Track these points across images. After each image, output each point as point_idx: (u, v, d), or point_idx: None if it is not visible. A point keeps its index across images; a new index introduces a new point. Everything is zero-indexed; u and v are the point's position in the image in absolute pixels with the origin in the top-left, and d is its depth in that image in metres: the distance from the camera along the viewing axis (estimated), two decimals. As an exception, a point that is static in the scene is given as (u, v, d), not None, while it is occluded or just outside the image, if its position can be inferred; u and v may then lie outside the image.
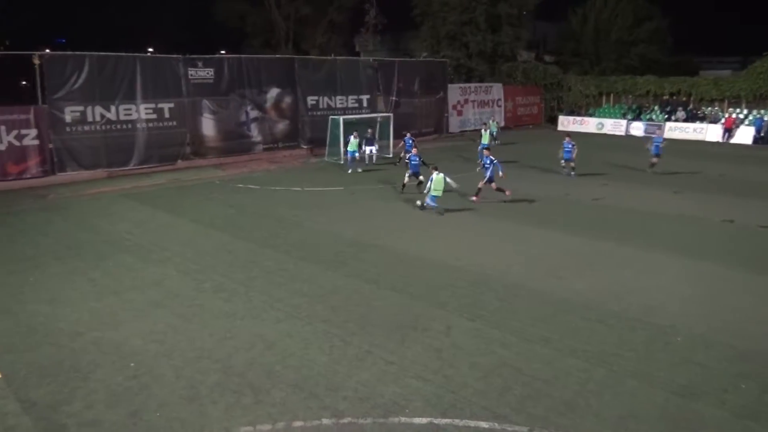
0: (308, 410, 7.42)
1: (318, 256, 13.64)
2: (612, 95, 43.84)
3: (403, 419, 7.25)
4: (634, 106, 42.17)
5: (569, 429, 7.05)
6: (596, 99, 44.44)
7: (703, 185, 21.76)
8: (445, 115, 37.96)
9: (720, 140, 35.90)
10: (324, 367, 8.53)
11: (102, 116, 23.05)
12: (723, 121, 36.47)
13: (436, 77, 37.29)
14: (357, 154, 24.79)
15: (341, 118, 27.02)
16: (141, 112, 24.15)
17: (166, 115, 25.03)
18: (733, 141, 35.60)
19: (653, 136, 25.73)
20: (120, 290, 11.46)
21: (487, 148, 20.86)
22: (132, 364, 8.56)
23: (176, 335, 9.54)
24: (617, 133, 40.16)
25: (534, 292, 11.41)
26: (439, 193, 17.23)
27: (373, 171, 25.01)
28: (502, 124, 41.90)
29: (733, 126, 35.91)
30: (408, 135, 25.36)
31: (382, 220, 16.96)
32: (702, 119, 38.08)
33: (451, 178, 17.64)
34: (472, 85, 42.10)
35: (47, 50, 25.27)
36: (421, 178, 19.53)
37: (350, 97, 32.12)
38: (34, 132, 21.53)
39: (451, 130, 38.10)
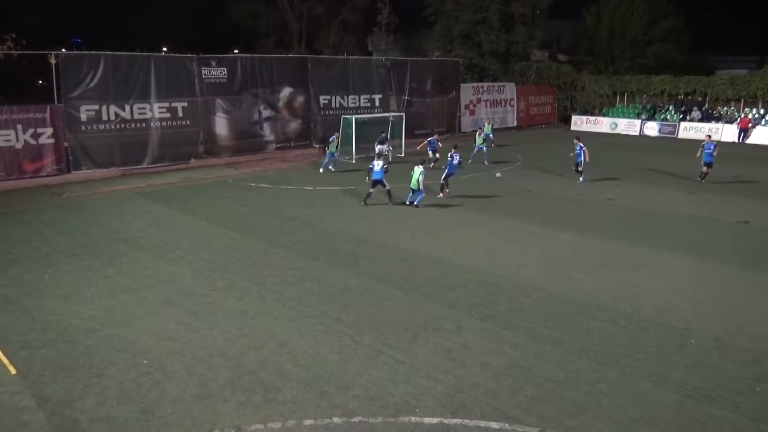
0: (319, 409, 7.45)
1: (329, 255, 13.67)
2: (626, 95, 43.44)
3: (413, 419, 7.26)
4: (648, 106, 41.76)
5: (580, 430, 7.01)
6: (610, 99, 44.05)
7: (718, 186, 21.51)
8: (458, 114, 37.85)
9: (735, 141, 35.46)
10: (335, 365, 8.56)
11: (116, 115, 23.28)
12: (738, 121, 36.03)
13: (448, 76, 37.20)
14: (336, 155, 24.72)
15: (353, 118, 27.08)
16: (155, 111, 24.36)
17: (180, 114, 25.21)
18: (749, 141, 35.15)
19: (704, 142, 22.21)
20: (133, 288, 11.57)
21: (455, 146, 20.29)
22: (144, 362, 8.64)
23: (188, 333, 9.62)
24: (631, 133, 39.79)
25: (545, 292, 11.36)
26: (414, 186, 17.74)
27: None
28: (515, 123, 41.80)
29: (749, 126, 35.46)
30: (435, 136, 26.17)
31: (391, 220, 16.97)
32: (717, 119, 37.63)
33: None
34: (485, 84, 41.93)
35: (63, 50, 25.57)
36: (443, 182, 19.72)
37: (363, 97, 32.14)
38: (50, 131, 21.78)
39: (463, 129, 37.97)
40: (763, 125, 35.41)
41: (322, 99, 30.29)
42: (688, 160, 27.08)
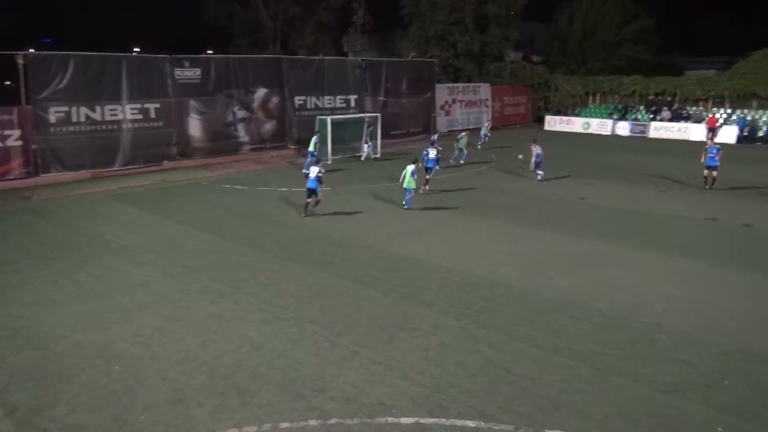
0: (295, 411, 7.40)
1: (305, 256, 13.61)
2: (598, 95, 44.14)
3: (389, 419, 7.26)
4: (620, 106, 42.49)
5: (554, 427, 7.09)
6: (582, 99, 44.71)
7: (686, 185, 21.95)
8: (433, 115, 38.02)
9: (704, 139, 36.20)
10: (311, 368, 8.51)
11: (87, 117, 22.81)
12: (706, 120, 36.83)
13: (424, 77, 37.34)
14: (315, 156, 24.59)
15: (329, 118, 27.02)
16: (127, 112, 23.95)
17: (152, 115, 24.84)
18: (716, 140, 35.87)
19: (707, 145, 21.27)
20: (105, 293, 11.36)
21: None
22: (117, 368, 8.48)
23: (162, 338, 9.48)
24: (603, 132, 40.42)
25: (520, 291, 11.46)
26: (408, 185, 17.57)
27: (360, 170, 25.00)
28: (490, 125, 42.13)
29: (717, 125, 36.26)
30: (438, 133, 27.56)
31: (369, 220, 16.96)
32: (686, 119, 38.44)
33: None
34: (460, 85, 42.21)
35: (32, 50, 25.00)
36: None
37: (338, 97, 32.08)
38: (17, 132, 21.24)
39: (439, 129, 38.14)
40: (729, 124, 36.23)
41: (297, 100, 30.15)
42: (658, 158, 27.66)
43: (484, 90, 42.74)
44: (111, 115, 23.56)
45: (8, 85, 25.42)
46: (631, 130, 39.37)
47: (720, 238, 15.26)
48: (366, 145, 28.53)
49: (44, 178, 21.96)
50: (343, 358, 8.79)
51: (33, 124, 21.51)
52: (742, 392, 7.82)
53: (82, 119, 22.71)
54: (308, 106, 30.63)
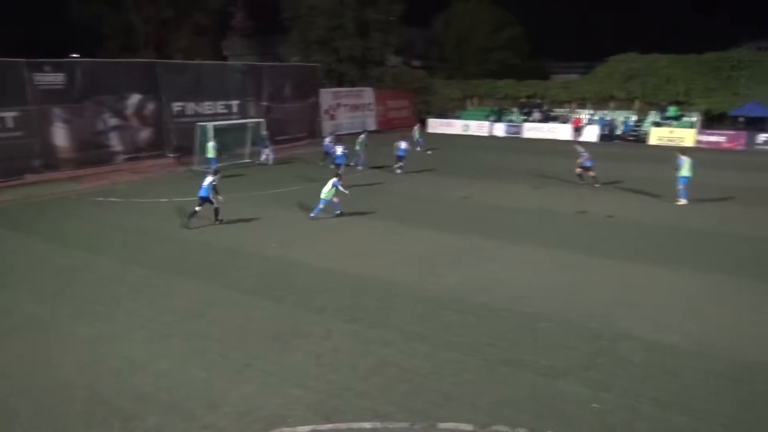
0: (186, 431, 7.08)
1: (191, 269, 13.05)
2: (475, 98, 46.31)
3: (285, 429, 7.14)
4: (495, 109, 44.88)
5: (448, 419, 7.33)
6: (461, 102, 46.72)
7: (557, 181, 23.64)
8: (318, 119, 37.98)
9: (571, 138, 39.20)
10: (202, 384, 8.18)
11: (-71, 127, 20.43)
12: (572, 121, 39.89)
13: (307, 82, 37.21)
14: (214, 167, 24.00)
15: (210, 125, 26.10)
16: (-22, 122, 21.72)
17: (9, 125, 22.73)
18: (581, 139, 39.00)
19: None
20: (-41, 323, 10.21)
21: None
22: (-23, 405, 7.65)
23: (32, 367, 8.67)
24: (482, 134, 42.46)
25: (410, 289, 11.74)
26: (326, 197, 17.02)
27: (246, 177, 24.41)
28: (374, 127, 42.84)
29: (581, 125, 39.40)
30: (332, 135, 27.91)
31: (256, 228, 16.60)
32: (554, 119, 41.40)
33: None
34: (344, 89, 42.53)
35: None
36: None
37: (219, 103, 31.12)
38: None
39: (324, 134, 38.17)
40: (592, 124, 39.49)
41: (175, 106, 28.86)
42: (532, 157, 29.51)
43: (368, 94, 43.38)
44: (-41, 125, 21.26)
45: None
46: (506, 131, 41.70)
47: (588, 229, 16.55)
48: (267, 150, 28.25)
49: None
50: (235, 372, 8.52)
51: None
52: (612, 370, 8.54)
53: (-76, 130, 20.30)
54: (187, 113, 29.42)
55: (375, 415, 7.44)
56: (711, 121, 36.82)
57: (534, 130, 40.62)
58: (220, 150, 24.30)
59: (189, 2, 44.80)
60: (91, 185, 23.16)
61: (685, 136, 35.39)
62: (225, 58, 54.06)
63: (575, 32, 69.28)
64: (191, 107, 29.61)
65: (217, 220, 16.84)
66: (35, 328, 10.02)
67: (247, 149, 28.82)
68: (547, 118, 41.61)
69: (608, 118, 39.47)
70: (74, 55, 35.78)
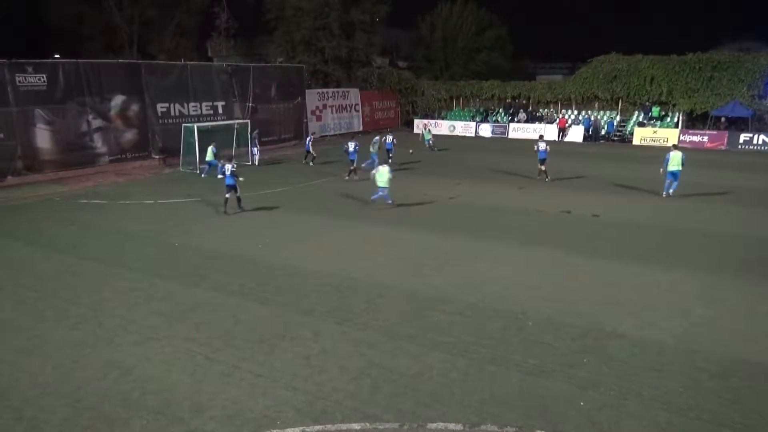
0: (172, 436, 7.01)
1: (176, 271, 12.94)
2: (461, 99, 46.46)
3: (274, 431, 7.11)
4: (481, 109, 45.06)
5: (436, 419, 7.34)
6: (447, 102, 46.85)
7: (543, 181, 23.77)
8: (304, 120, 37.87)
9: (556, 139, 39.49)
10: (188, 388, 8.10)
11: None
12: (557, 121, 40.16)
13: (293, 83, 37.09)
14: (218, 163, 23.96)
15: (195, 126, 25.93)
16: (-42, 123, 21.38)
17: (-9, 126, 22.39)
18: (567, 139, 39.32)
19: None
20: (-60, 328, 10.03)
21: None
22: (-42, 411, 7.52)
23: (14, 372, 8.54)
24: (468, 134, 42.62)
25: (398, 291, 11.73)
26: (381, 185, 18.38)
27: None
28: (361, 128, 42.84)
29: (566, 125, 39.68)
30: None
31: (242, 230, 16.51)
32: (540, 120, 41.64)
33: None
34: (330, 90, 42.45)
35: None
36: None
37: (204, 104, 30.92)
38: None
39: (314, 132, 38.11)
40: (577, 125, 39.79)
41: (160, 107, 28.64)
42: (517, 157, 29.63)
43: (354, 95, 43.37)
44: (-62, 127, 20.90)
45: None
46: (492, 132, 41.88)
47: (573, 228, 16.67)
48: (255, 149, 28.34)
49: None
50: (222, 375, 8.46)
51: None
52: (599, 368, 8.59)
53: None
54: (173, 114, 29.21)
55: (364, 416, 7.42)
56: (693, 122, 37.27)
57: (520, 130, 40.83)
58: (217, 153, 24.32)
59: (172, 3, 44.49)
60: (75, 187, 22.90)
61: (669, 135, 35.80)
62: (209, 59, 53.73)
63: (559, 33, 69.92)
64: (176, 108, 29.39)
65: (240, 207, 18.41)
66: (17, 333, 9.87)
67: (233, 151, 28.67)
68: (532, 119, 41.84)
69: (592, 119, 39.80)
70: (56, 56, 35.30)
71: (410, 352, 9.12)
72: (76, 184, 23.58)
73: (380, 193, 18.51)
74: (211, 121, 29.81)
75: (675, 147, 20.51)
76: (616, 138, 38.49)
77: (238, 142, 28.98)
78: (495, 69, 50.20)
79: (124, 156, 27.42)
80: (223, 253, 14.28)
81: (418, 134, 35.35)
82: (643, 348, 9.16)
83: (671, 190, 20.16)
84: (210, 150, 24.22)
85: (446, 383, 8.20)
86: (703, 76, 36.28)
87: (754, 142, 33.92)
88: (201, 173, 24.81)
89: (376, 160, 25.24)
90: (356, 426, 7.22)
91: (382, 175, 18.37)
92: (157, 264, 13.47)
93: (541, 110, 42.77)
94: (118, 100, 26.92)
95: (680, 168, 19.67)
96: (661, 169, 20.14)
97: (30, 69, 23.58)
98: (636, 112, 39.25)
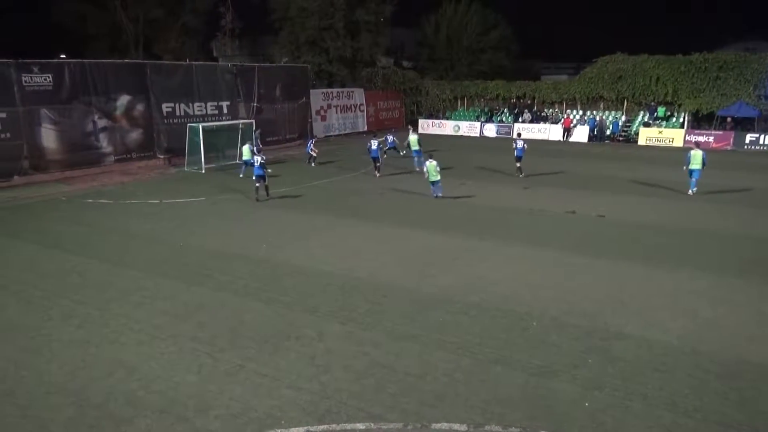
0: (177, 435, 7.03)
1: (181, 271, 12.98)
2: (466, 99, 46.40)
3: (279, 431, 7.12)
4: (486, 109, 44.98)
5: (441, 419, 7.33)
6: (452, 102, 46.81)
7: (548, 181, 23.73)
8: (309, 120, 37.90)
9: (561, 139, 39.41)
10: (193, 387, 8.13)
11: None
12: (562, 121, 40.07)
13: (297, 82, 37.12)
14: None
15: (200, 126, 25.99)
16: (-35, 123, 21.50)
17: (-3, 126, 22.51)
18: (571, 140, 39.23)
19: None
20: (-54, 326, 10.09)
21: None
22: (-35, 409, 7.56)
23: (20, 371, 8.59)
24: (472, 134, 42.56)
25: (402, 290, 11.73)
26: (434, 179, 19.56)
27: (236, 178, 24.32)
28: (365, 128, 42.83)
29: (571, 126, 39.59)
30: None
31: (247, 230, 16.54)
32: (545, 120, 41.56)
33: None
34: (335, 90, 42.48)
35: None
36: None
37: (209, 104, 30.99)
38: None
39: (316, 134, 38.14)
40: (582, 125, 39.70)
41: (165, 107, 28.71)
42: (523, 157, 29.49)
43: (358, 95, 43.37)
44: (-55, 126, 21.03)
45: None
46: (497, 132, 41.80)
47: (579, 229, 16.62)
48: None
49: None
50: (226, 374, 8.48)
51: None
52: (603, 368, 8.57)
53: None
54: (178, 114, 29.29)
55: (368, 415, 7.43)
56: (699, 122, 37.12)
57: (525, 130, 40.68)
58: (254, 151, 24.26)
59: (177, 3, 44.60)
60: (80, 187, 23.00)
61: (675, 136, 35.68)
62: (214, 59, 53.85)
63: (564, 33, 69.79)
64: (181, 108, 29.47)
65: (267, 195, 19.95)
66: (23, 332, 9.92)
67: (238, 150, 28.71)
68: (537, 119, 41.75)
69: (597, 119, 39.69)
70: (62, 56, 35.44)
71: (414, 352, 9.11)
72: (81, 183, 23.68)
73: (437, 188, 19.80)
74: (216, 121, 29.88)
75: (696, 145, 21.53)
76: (621, 138, 38.37)
77: (242, 141, 29.00)
78: (499, 69, 50.08)
79: (129, 156, 27.52)
80: (228, 252, 14.31)
81: (422, 135, 35.22)
82: (649, 349, 9.13)
83: (693, 189, 20.62)
84: (246, 149, 23.94)
85: (450, 383, 8.20)
86: (709, 76, 36.11)
87: (761, 142, 33.76)
88: (239, 173, 24.42)
89: (422, 158, 25.51)
90: (360, 426, 7.22)
91: (432, 169, 19.44)
92: (162, 264, 13.51)
93: (545, 110, 42.67)
94: (123, 100, 27.01)
95: (700, 167, 20.24)
96: (684, 167, 20.73)
97: (36, 69, 23.68)
98: (641, 112, 39.13)
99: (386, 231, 16.28)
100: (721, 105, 35.57)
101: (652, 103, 38.41)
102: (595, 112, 40.69)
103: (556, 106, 42.57)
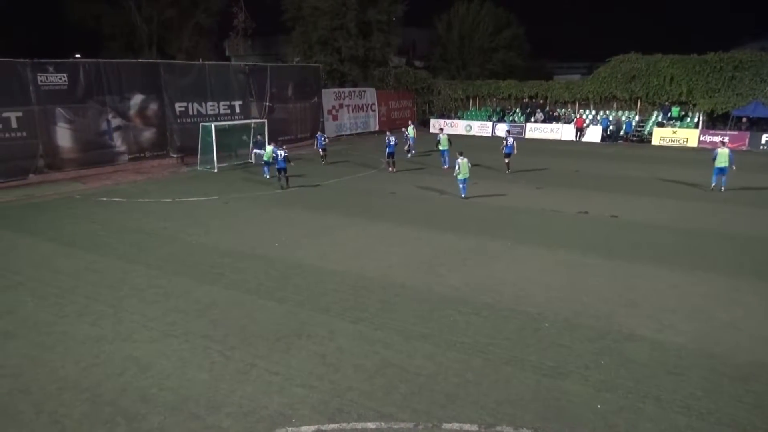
0: (189, 432, 7.08)
1: (193, 269, 13.06)
2: (478, 98, 46.26)
3: (290, 429, 7.14)
4: (498, 109, 44.82)
5: (452, 420, 7.32)
6: (464, 102, 46.69)
7: (561, 181, 23.61)
8: (321, 120, 37.98)
9: (573, 139, 39.17)
10: (205, 385, 8.18)
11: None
12: (574, 121, 39.83)
13: (309, 82, 37.21)
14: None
15: (213, 125, 26.15)
16: (-18, 122, 21.76)
17: (13, 125, 22.80)
18: (584, 140, 38.99)
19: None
20: (-36, 322, 10.23)
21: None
22: (-19, 404, 7.66)
23: (35, 367, 8.68)
24: (484, 134, 42.42)
25: (413, 290, 11.72)
26: (466, 176, 19.71)
27: (250, 178, 24.44)
28: (377, 128, 42.83)
29: (584, 125, 39.35)
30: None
31: (259, 229, 16.61)
32: (557, 120, 41.34)
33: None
34: (346, 89, 42.53)
35: None
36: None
37: (222, 103, 31.14)
38: None
39: (327, 134, 38.19)
40: (595, 125, 39.44)
41: (178, 106, 28.90)
42: (534, 158, 29.44)
43: (370, 94, 43.40)
44: (-37, 125, 21.31)
45: None
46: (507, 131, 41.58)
47: (592, 229, 16.53)
48: (258, 151, 28.25)
49: None
50: (238, 372, 8.52)
51: None
52: (615, 370, 8.52)
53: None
54: (190, 113, 29.47)
55: (379, 415, 7.43)
56: (714, 122, 36.73)
57: (537, 130, 40.60)
58: (262, 152, 24.63)
59: (191, 3, 44.85)
60: (94, 185, 23.22)
61: (689, 136, 35.34)
62: (227, 59, 54.10)
63: (577, 32, 69.32)
64: (194, 107, 29.64)
65: (288, 186, 21.34)
66: (38, 328, 10.04)
67: (249, 150, 28.94)
68: (549, 119, 41.55)
69: (611, 119, 39.41)
70: (77, 56, 35.79)
71: (426, 352, 9.11)
72: (95, 182, 23.90)
73: (465, 187, 19.97)
74: (228, 120, 30.04)
75: (723, 144, 21.80)
76: (634, 138, 38.06)
77: (254, 143, 29.17)
78: (512, 68, 49.85)
79: (142, 155, 27.74)
80: (240, 251, 14.38)
81: (434, 134, 35.21)
82: (662, 351, 9.05)
83: (722, 187, 20.88)
84: (270, 149, 24.07)
85: (462, 383, 8.18)
86: (724, 76, 35.71)
87: (776, 142, 33.36)
88: (264, 174, 24.33)
89: (447, 157, 26.24)
90: (371, 425, 7.23)
91: (464, 166, 19.55)
92: (175, 262, 13.60)
93: (558, 110, 42.44)
94: (137, 99, 27.23)
95: (728, 165, 20.44)
96: (714, 161, 20.91)
97: (51, 68, 23.93)
98: (655, 112, 38.80)
99: (398, 231, 16.28)
100: (736, 105, 35.18)
101: (666, 103, 38.07)
102: (608, 112, 40.40)
103: (569, 105, 42.33)
